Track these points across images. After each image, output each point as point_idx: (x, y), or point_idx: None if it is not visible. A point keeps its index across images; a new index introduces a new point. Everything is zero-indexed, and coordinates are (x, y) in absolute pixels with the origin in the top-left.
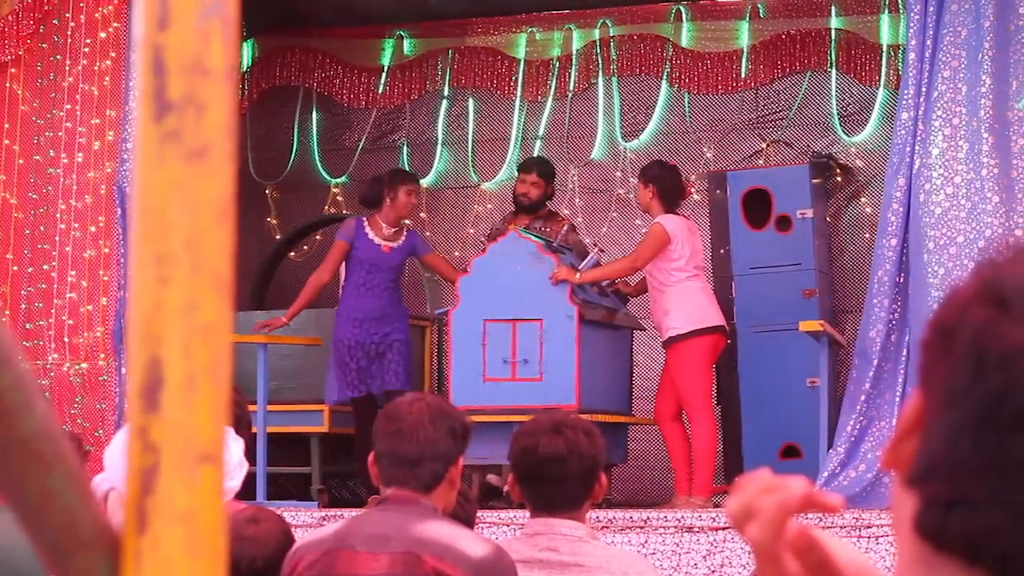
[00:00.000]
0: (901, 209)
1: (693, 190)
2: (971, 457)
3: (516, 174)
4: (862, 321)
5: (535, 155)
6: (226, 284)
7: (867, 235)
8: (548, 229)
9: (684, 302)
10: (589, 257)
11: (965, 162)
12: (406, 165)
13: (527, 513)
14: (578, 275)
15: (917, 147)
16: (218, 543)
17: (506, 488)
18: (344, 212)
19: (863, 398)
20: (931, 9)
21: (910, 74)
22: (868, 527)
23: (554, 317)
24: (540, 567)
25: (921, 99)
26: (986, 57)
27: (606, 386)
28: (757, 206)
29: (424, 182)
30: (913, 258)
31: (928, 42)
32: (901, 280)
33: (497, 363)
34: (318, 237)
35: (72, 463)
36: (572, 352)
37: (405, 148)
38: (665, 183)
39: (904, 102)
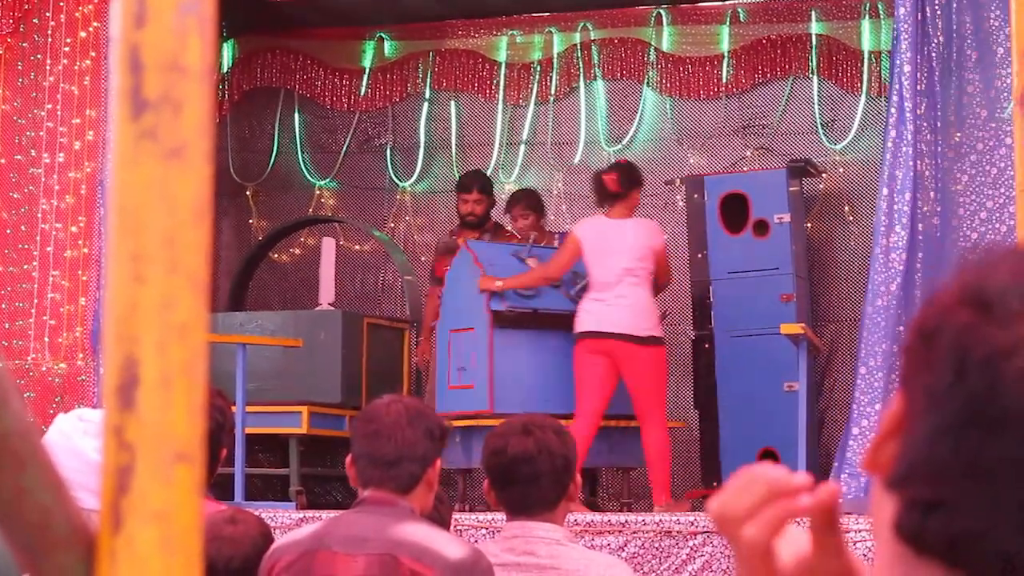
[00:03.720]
0: (907, 221)
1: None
2: (951, 460)
3: (458, 192)
4: (865, 331)
5: (472, 170)
6: (202, 283)
7: (852, 243)
8: (499, 242)
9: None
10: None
11: (968, 184)
12: (390, 168)
13: (504, 516)
14: (499, 283)
15: (916, 161)
16: (194, 543)
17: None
18: (329, 215)
19: (869, 409)
20: (928, 16)
21: (904, 84)
22: (845, 531)
23: (480, 325)
24: (517, 570)
25: (916, 110)
26: (969, 67)
27: (539, 387)
28: (735, 211)
29: (407, 185)
30: (924, 270)
31: (927, 49)
32: (893, 289)
33: (455, 372)
34: (310, 241)
35: (47, 462)
36: (486, 358)
37: (389, 151)
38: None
39: (903, 115)
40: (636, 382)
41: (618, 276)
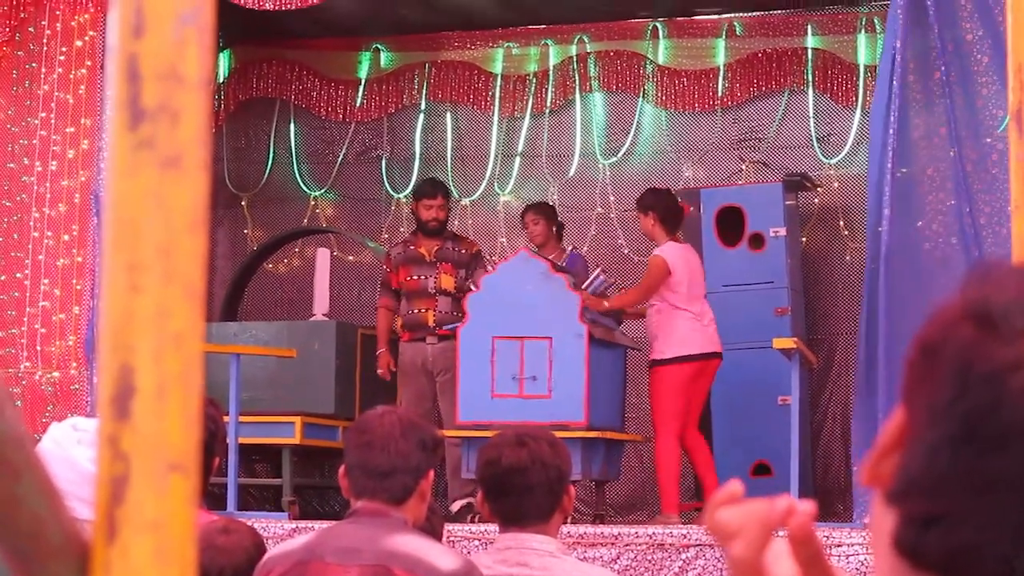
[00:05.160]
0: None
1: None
2: (951, 474)
3: (418, 199)
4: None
5: (430, 177)
6: (198, 293)
7: (847, 257)
8: (463, 250)
9: (668, 330)
10: (593, 277)
11: (955, 192)
12: (386, 179)
13: (497, 528)
14: (606, 303)
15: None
16: (188, 553)
17: (458, 504)
18: (324, 225)
19: None
20: (917, 33)
21: (903, 100)
22: (839, 545)
23: (563, 335)
24: None
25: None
26: (966, 83)
27: (606, 403)
28: (730, 224)
29: (402, 196)
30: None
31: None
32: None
33: (506, 379)
34: (306, 252)
35: (41, 471)
36: (581, 370)
37: (384, 162)
38: (662, 209)
39: (890, 128)
40: (704, 395)
41: (701, 298)
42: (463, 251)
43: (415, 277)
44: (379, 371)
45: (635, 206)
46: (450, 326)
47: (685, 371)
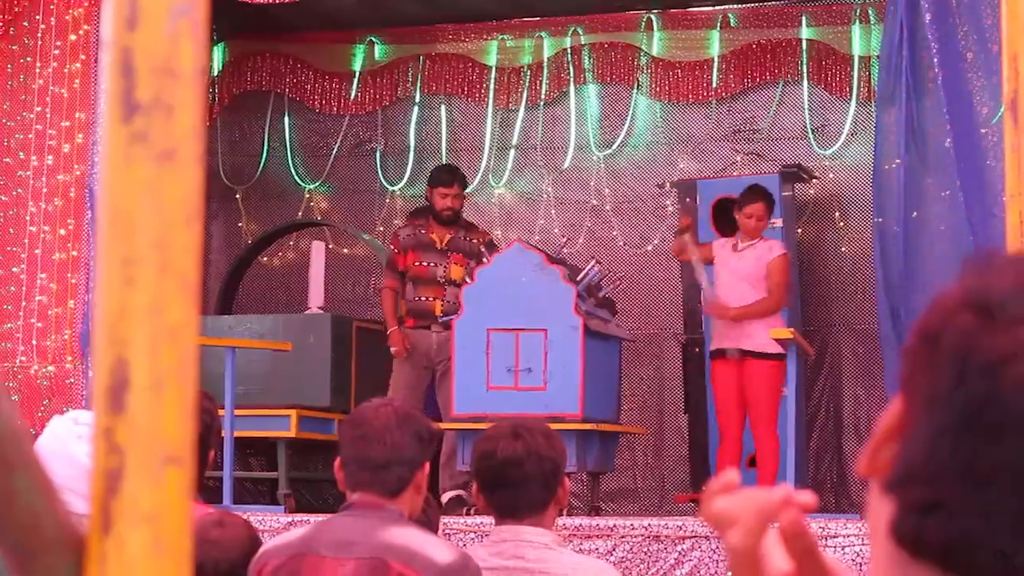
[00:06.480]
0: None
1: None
2: (949, 463)
3: (433, 187)
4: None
5: (447, 165)
6: (193, 286)
7: (843, 249)
8: (474, 239)
9: (771, 325)
10: (587, 269)
11: (950, 186)
12: (380, 171)
13: (493, 520)
14: (731, 312)
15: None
16: (183, 545)
17: (447, 496)
18: (318, 218)
19: None
20: (926, 21)
21: (902, 91)
22: (834, 536)
23: (558, 327)
24: (506, 574)
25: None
26: (956, 77)
27: (601, 395)
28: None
29: (396, 189)
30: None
31: (928, 52)
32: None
33: (501, 371)
34: (300, 244)
35: (36, 465)
36: (576, 362)
37: (379, 154)
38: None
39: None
40: None
41: None
42: (475, 241)
43: (424, 264)
44: (393, 350)
45: (762, 199)
46: (445, 318)
47: (785, 368)
